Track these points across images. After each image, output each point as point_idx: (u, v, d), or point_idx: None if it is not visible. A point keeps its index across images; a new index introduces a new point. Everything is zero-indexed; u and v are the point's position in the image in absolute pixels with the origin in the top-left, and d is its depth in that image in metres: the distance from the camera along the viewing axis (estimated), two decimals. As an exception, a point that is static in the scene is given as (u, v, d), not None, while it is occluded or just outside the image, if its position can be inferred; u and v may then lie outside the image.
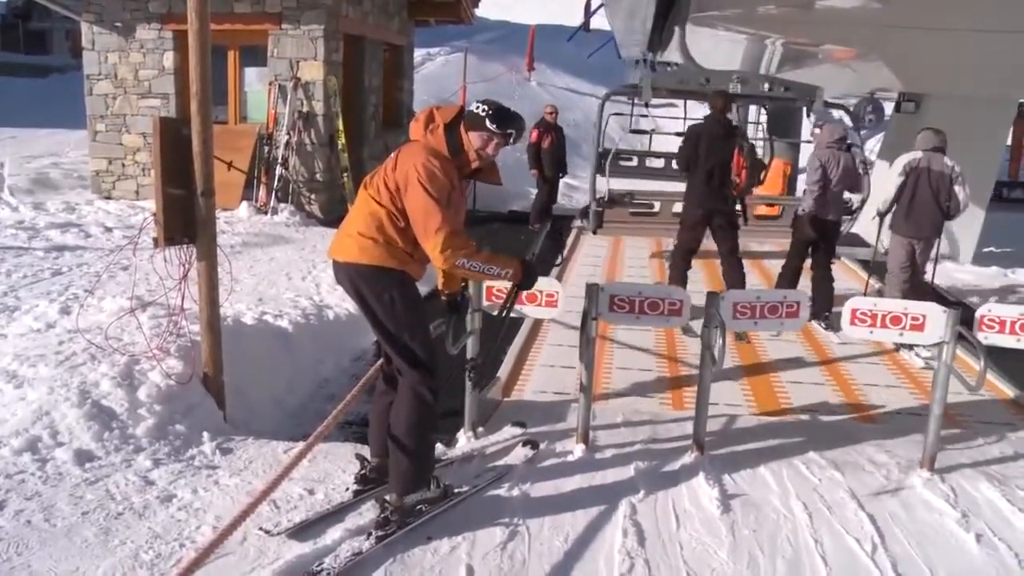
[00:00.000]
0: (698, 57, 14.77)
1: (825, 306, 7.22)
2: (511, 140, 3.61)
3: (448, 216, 3.43)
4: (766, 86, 10.73)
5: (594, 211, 10.34)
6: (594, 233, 10.86)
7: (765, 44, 11.71)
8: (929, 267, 7.48)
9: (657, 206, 10.54)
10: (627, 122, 12.46)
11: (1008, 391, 5.78)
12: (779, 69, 13.60)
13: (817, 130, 8.02)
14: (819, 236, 7.30)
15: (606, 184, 10.21)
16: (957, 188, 6.86)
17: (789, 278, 7.50)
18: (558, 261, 4.30)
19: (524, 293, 4.55)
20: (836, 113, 11.15)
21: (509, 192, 13.52)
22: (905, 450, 4.57)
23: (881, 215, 7.19)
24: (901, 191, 6.97)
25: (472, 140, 3.57)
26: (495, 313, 4.45)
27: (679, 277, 7.28)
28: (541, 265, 3.99)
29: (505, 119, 3.56)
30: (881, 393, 5.74)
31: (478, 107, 3.59)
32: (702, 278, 8.54)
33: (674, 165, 8.72)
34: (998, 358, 5.60)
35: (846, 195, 7.48)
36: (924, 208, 6.92)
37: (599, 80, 26.93)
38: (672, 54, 13.45)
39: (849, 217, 8.72)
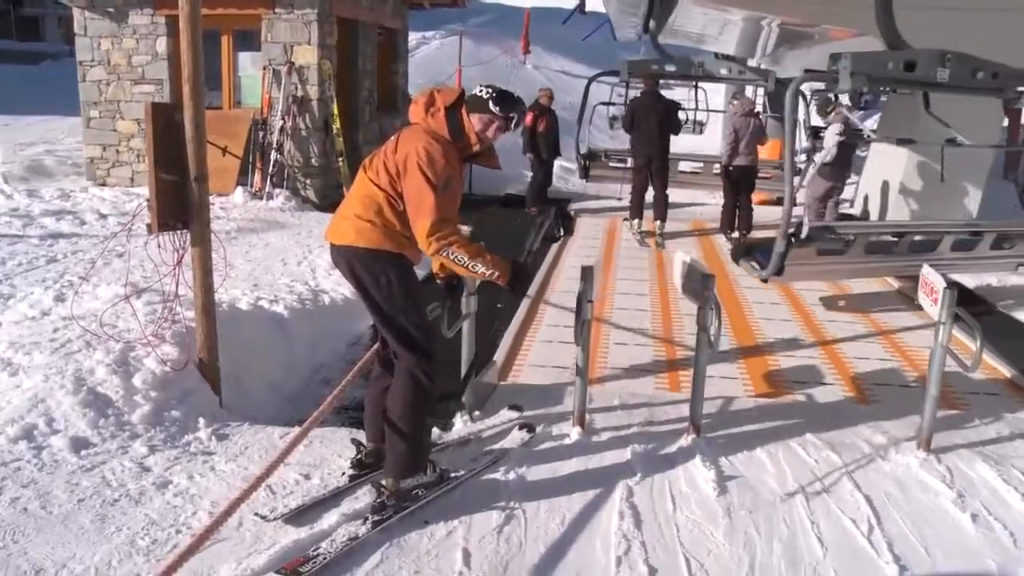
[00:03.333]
0: (694, 39, 14.71)
1: (746, 228, 10.42)
2: (512, 124, 3.60)
3: (441, 203, 3.42)
4: (723, 70, 11.84)
5: (581, 164, 12.69)
6: (586, 181, 13.33)
7: (761, 24, 11.66)
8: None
9: (630, 162, 12.13)
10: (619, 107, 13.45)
11: (1005, 371, 5.78)
12: (775, 50, 13.55)
13: (734, 102, 10.98)
14: (739, 178, 10.38)
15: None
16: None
17: (728, 211, 10.63)
18: (559, 235, 4.24)
19: None
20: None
21: (505, 175, 13.51)
22: (901, 431, 4.58)
23: (822, 164, 9.97)
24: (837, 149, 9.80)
25: (473, 123, 3.56)
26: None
27: (638, 209, 10.63)
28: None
29: (508, 102, 3.56)
30: (878, 374, 5.74)
31: (481, 90, 3.59)
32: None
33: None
34: (994, 338, 5.63)
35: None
36: (841, 160, 9.85)
37: (595, 62, 26.75)
38: (667, 36, 13.41)
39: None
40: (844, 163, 9.94)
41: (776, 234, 6.34)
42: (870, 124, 16.88)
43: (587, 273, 4.36)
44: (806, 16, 9.94)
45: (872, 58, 6.33)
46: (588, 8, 24.66)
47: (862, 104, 22.72)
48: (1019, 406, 5.17)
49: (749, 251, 7.15)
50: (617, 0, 12.62)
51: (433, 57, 23.91)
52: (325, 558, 3.22)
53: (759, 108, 11.74)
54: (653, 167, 10.39)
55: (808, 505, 3.78)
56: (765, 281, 6.89)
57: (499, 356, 5.70)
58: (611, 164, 13.12)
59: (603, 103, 14.06)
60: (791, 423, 4.68)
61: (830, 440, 4.45)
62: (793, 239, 6.23)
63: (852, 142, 9.92)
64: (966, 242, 7.37)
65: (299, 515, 3.56)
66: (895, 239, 7.13)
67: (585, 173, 13.17)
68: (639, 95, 10.79)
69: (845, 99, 9.91)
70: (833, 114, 10.01)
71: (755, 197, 11.23)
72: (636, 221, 10.71)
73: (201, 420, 4.50)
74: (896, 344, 6.42)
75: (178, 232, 4.69)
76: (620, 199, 12.19)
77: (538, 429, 4.45)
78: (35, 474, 3.84)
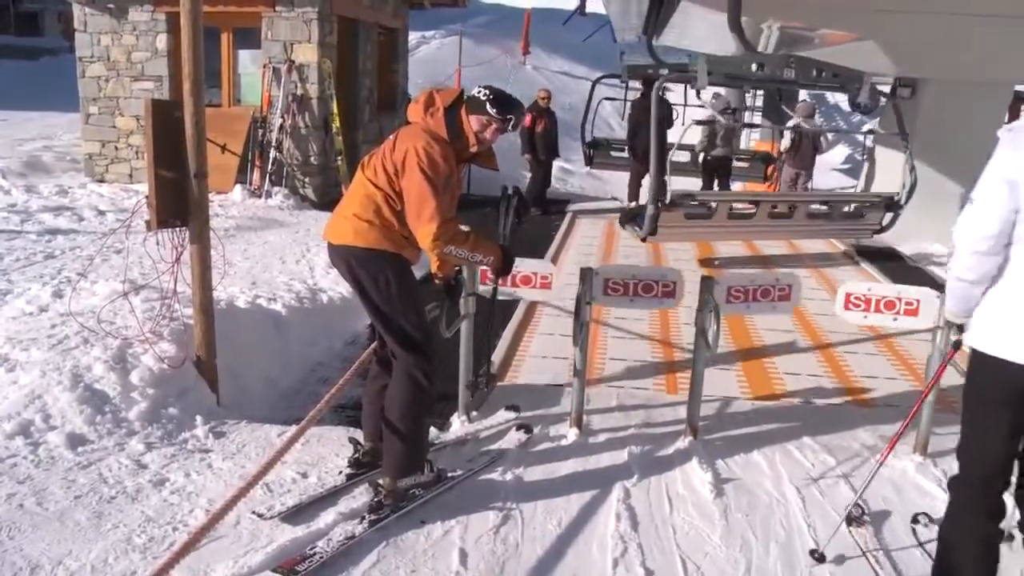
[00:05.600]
0: (694, 42, 14.76)
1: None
2: (509, 126, 3.60)
3: (442, 204, 3.42)
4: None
5: (586, 153, 13.87)
6: (590, 167, 14.50)
7: (761, 28, 11.69)
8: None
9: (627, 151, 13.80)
10: (618, 105, 14.00)
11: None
12: (775, 52, 13.57)
13: (713, 100, 12.22)
14: (716, 166, 12.28)
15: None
16: (822, 139, 12.40)
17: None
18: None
19: (519, 275, 4.60)
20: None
21: (503, 176, 13.55)
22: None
23: (778, 157, 12.15)
24: (792, 141, 11.68)
25: (472, 124, 3.56)
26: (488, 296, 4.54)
27: (635, 193, 12.36)
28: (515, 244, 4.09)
29: (505, 104, 3.56)
30: (874, 377, 5.75)
31: (479, 91, 3.59)
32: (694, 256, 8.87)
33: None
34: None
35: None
36: (804, 152, 11.77)
37: (594, 64, 26.79)
38: (668, 38, 13.47)
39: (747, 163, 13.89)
40: (806, 154, 11.89)
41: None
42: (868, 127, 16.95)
43: (586, 275, 4.37)
44: (806, 20, 9.98)
45: (726, 59, 7.84)
46: (588, 9, 24.70)
47: (862, 108, 22.81)
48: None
49: (633, 218, 8.62)
50: (618, 2, 12.68)
51: (433, 57, 23.90)
52: (322, 557, 3.22)
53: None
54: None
55: (804, 508, 3.79)
56: (644, 240, 8.27)
57: (497, 356, 5.70)
58: (612, 152, 14.09)
59: (607, 98, 14.74)
60: (788, 426, 4.68)
61: (827, 443, 4.45)
62: (660, 204, 7.65)
63: (817, 133, 11.95)
64: (819, 212, 9.04)
65: (296, 514, 3.56)
66: (753, 207, 8.69)
67: (589, 160, 14.19)
68: (642, 96, 11.97)
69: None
70: (798, 109, 12.05)
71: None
72: (635, 203, 12.19)
73: (198, 418, 4.50)
74: (893, 347, 6.42)
75: (177, 229, 4.69)
76: (615, 199, 13.37)
77: (535, 430, 4.45)
78: (31, 470, 3.84)
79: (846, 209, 9.02)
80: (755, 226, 8.78)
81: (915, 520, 3.71)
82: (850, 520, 3.63)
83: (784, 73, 8.11)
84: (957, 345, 3.35)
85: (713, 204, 8.20)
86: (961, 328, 3.06)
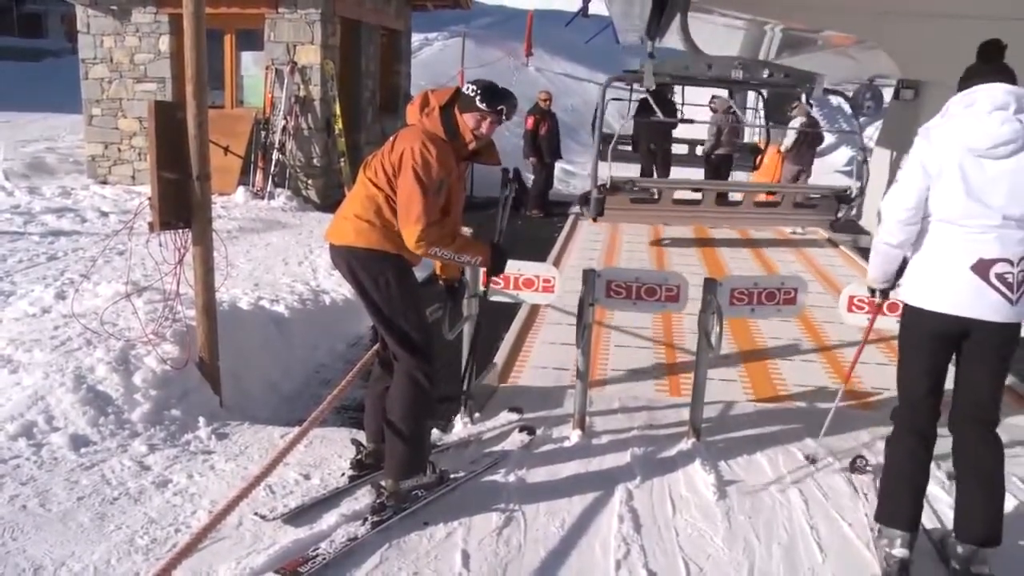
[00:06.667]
0: (696, 44, 14.81)
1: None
2: (503, 116, 3.60)
3: (429, 207, 3.42)
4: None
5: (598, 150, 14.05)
6: (603, 161, 14.38)
7: (764, 30, 11.70)
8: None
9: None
10: (625, 107, 13.81)
11: (1004, 378, 5.77)
12: (778, 55, 13.57)
13: (714, 102, 12.85)
14: (720, 163, 12.48)
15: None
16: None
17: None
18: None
19: (521, 279, 4.60)
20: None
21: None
22: (901, 437, 4.57)
23: (786, 151, 12.04)
24: (795, 141, 11.59)
25: (466, 121, 3.56)
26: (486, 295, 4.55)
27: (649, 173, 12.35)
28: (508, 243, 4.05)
29: (494, 96, 3.55)
30: (878, 379, 5.74)
31: (468, 88, 3.58)
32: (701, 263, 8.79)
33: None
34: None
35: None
36: (803, 149, 11.79)
37: (597, 65, 26.88)
38: (671, 40, 13.49)
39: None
40: (808, 151, 12.06)
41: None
42: (870, 132, 16.97)
43: (588, 277, 4.36)
44: (808, 22, 9.99)
45: (674, 61, 8.44)
46: (591, 11, 24.67)
47: (864, 111, 22.81)
48: (1015, 412, 5.16)
49: (586, 201, 9.12)
50: (620, 4, 12.70)
51: (436, 59, 23.94)
52: (324, 558, 3.22)
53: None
54: (660, 151, 12.26)
55: (807, 510, 3.78)
56: (594, 220, 9.01)
57: (500, 358, 5.69)
58: (619, 147, 14.03)
59: (615, 99, 14.99)
60: (791, 428, 4.67)
61: (830, 445, 4.44)
62: (602, 188, 8.54)
63: (816, 133, 12.17)
64: (768, 201, 9.61)
65: (298, 515, 3.56)
66: (698, 194, 9.25)
67: (604, 157, 14.12)
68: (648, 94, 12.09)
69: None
70: (796, 111, 11.98)
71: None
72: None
73: (201, 419, 4.51)
74: (895, 350, 6.39)
75: (179, 231, 4.69)
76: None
77: (538, 431, 4.44)
78: (34, 472, 3.84)
79: (797, 200, 9.50)
80: (703, 212, 9.44)
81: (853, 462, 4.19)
82: (853, 468, 4.15)
83: (732, 73, 8.42)
84: (883, 293, 3.91)
85: (655, 191, 9.03)
86: (886, 293, 3.85)
